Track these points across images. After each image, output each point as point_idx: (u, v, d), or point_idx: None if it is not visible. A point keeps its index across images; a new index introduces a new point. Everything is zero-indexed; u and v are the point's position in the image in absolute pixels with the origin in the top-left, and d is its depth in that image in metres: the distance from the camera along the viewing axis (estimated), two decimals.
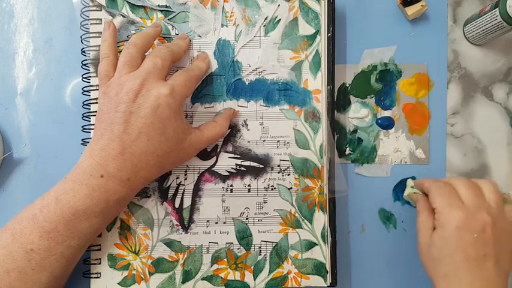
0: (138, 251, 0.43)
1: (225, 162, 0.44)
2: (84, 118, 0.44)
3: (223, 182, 0.44)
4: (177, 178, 0.44)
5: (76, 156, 0.40)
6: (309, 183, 0.44)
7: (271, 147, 0.44)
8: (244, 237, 0.44)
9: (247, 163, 0.44)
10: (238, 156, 0.44)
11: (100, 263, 0.42)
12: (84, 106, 0.44)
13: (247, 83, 0.44)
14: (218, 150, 0.44)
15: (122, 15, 0.44)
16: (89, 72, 0.44)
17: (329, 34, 0.45)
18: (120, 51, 0.41)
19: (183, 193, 0.44)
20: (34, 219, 0.35)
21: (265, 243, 0.44)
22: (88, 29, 0.44)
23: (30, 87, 0.47)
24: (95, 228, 0.37)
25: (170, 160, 0.39)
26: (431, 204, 0.40)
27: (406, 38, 0.48)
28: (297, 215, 0.44)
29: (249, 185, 0.44)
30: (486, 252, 0.37)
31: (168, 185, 0.44)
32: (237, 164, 0.44)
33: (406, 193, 0.45)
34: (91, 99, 0.44)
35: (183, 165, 0.44)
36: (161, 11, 0.44)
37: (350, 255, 0.47)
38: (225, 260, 0.43)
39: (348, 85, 0.48)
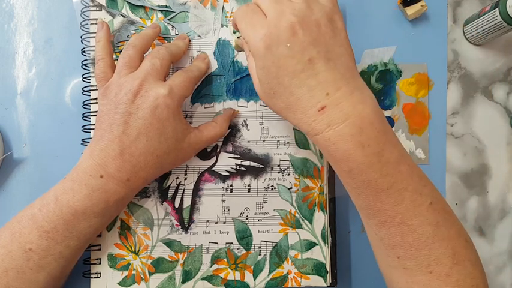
0: (138, 251, 0.43)
1: (225, 162, 0.44)
2: (84, 118, 0.44)
3: (223, 182, 0.44)
4: (177, 178, 0.44)
5: (76, 156, 0.40)
6: (309, 183, 0.44)
7: (271, 147, 0.44)
8: (244, 237, 0.44)
9: (247, 163, 0.44)
10: (238, 156, 0.44)
11: (100, 263, 0.42)
12: (84, 106, 0.44)
13: (247, 83, 0.44)
14: (218, 150, 0.44)
15: (122, 15, 0.44)
16: (89, 72, 0.44)
17: None
18: (120, 52, 0.41)
19: (183, 193, 0.44)
20: (33, 219, 0.36)
21: (265, 243, 0.44)
22: (88, 29, 0.44)
23: (30, 87, 0.47)
24: (94, 229, 0.37)
25: (169, 160, 0.39)
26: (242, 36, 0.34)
27: (406, 38, 0.48)
28: (297, 215, 0.44)
29: (249, 185, 0.44)
30: (310, 56, 0.31)
31: (168, 185, 0.44)
32: (237, 164, 0.44)
33: (233, 44, 0.40)
34: (91, 99, 0.44)
35: (183, 165, 0.44)
36: (161, 11, 0.44)
37: (350, 255, 0.47)
38: (225, 260, 0.43)
39: None
